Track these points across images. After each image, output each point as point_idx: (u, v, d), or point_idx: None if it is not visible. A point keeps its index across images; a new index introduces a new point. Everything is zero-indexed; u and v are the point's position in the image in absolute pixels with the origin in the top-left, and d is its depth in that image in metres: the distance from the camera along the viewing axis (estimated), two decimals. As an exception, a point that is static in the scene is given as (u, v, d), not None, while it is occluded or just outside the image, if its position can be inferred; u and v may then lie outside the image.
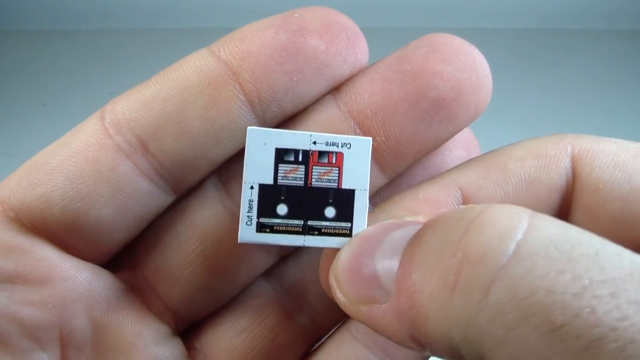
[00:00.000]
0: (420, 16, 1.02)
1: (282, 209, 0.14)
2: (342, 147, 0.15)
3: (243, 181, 0.15)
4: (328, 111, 0.16)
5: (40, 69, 0.90)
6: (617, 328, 0.09)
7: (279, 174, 0.14)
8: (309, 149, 0.14)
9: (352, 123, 0.16)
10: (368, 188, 0.15)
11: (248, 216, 0.14)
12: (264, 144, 0.14)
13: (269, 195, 0.14)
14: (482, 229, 0.11)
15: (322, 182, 0.14)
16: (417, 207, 0.15)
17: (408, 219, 0.14)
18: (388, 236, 0.13)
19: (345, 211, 0.14)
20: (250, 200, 0.14)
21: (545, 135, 0.17)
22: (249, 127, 0.15)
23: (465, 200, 0.16)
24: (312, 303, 0.18)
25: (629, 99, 0.88)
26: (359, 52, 0.16)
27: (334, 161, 0.14)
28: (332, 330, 0.18)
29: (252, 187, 0.14)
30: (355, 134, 0.16)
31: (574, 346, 0.09)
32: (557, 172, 0.15)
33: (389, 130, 0.16)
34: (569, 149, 0.15)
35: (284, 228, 0.14)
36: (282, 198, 0.14)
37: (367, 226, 0.15)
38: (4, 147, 0.75)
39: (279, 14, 0.16)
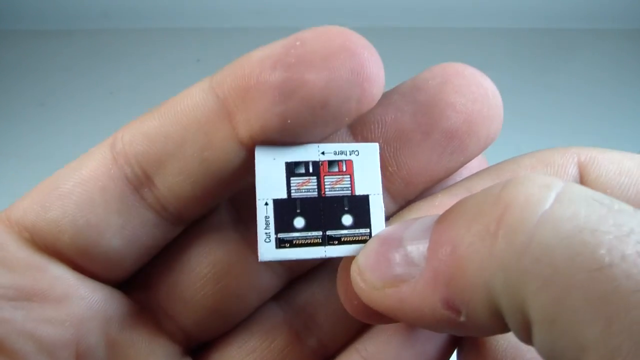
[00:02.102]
0: (421, 16, 1.02)
1: (299, 222, 0.14)
2: (350, 154, 0.15)
3: (257, 198, 0.14)
4: (340, 140, 0.16)
5: (39, 69, 0.90)
6: None
7: (291, 188, 0.14)
8: (318, 160, 0.14)
9: None
10: (381, 192, 0.14)
11: (266, 233, 0.14)
12: (274, 159, 0.14)
13: (284, 210, 0.14)
14: (524, 181, 0.11)
15: (336, 190, 0.14)
16: (431, 211, 0.15)
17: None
18: (415, 222, 0.13)
19: (363, 217, 0.14)
20: (266, 217, 0.14)
21: (548, 145, 0.17)
22: (256, 147, 0.14)
23: None
24: (321, 325, 0.18)
25: (629, 99, 0.88)
26: (368, 83, 0.15)
27: (344, 169, 0.14)
28: (340, 352, 0.18)
29: (266, 204, 0.14)
30: None
31: (623, 286, 0.09)
32: (566, 179, 0.15)
33: (401, 161, 0.16)
34: (575, 158, 0.16)
35: (303, 241, 0.14)
36: (298, 211, 0.14)
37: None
38: (3, 147, 0.75)
39: (282, 41, 0.15)
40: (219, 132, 0.15)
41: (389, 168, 0.16)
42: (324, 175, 0.14)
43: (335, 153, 0.14)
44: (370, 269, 0.13)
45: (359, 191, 0.14)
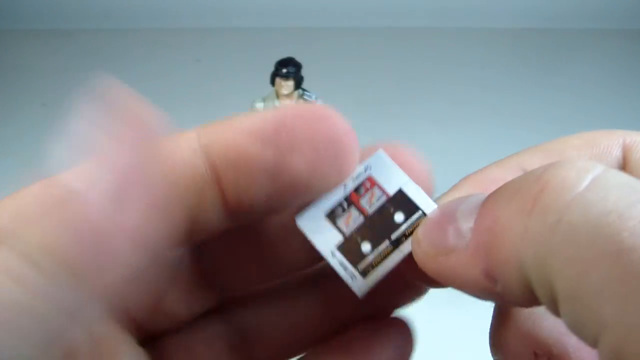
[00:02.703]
0: (421, 16, 1.03)
1: (365, 246, 0.15)
2: (366, 171, 0.16)
3: (324, 257, 0.15)
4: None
5: (40, 69, 0.91)
6: None
7: (341, 228, 0.15)
8: (346, 194, 0.15)
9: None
10: (408, 178, 0.15)
11: (349, 275, 0.15)
12: (313, 218, 0.15)
13: (348, 247, 0.15)
14: (562, 165, 0.12)
15: (374, 204, 0.15)
16: (484, 183, 0.16)
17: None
18: (467, 199, 0.14)
19: (409, 206, 0.15)
20: (340, 263, 0.15)
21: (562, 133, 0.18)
22: (296, 217, 0.16)
23: None
24: (256, 346, 0.18)
25: (629, 99, 0.88)
26: (347, 166, 0.15)
27: (369, 186, 0.15)
28: None
29: (333, 255, 0.15)
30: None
31: (638, 269, 0.10)
32: (610, 160, 0.16)
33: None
34: (621, 140, 0.16)
35: (380, 257, 0.15)
36: (359, 240, 0.15)
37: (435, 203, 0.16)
38: (6, 147, 0.75)
39: (271, 117, 0.15)
40: (207, 196, 0.15)
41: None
42: (359, 200, 0.15)
43: (354, 179, 0.15)
44: (426, 239, 0.14)
45: (391, 191, 0.15)
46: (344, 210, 0.15)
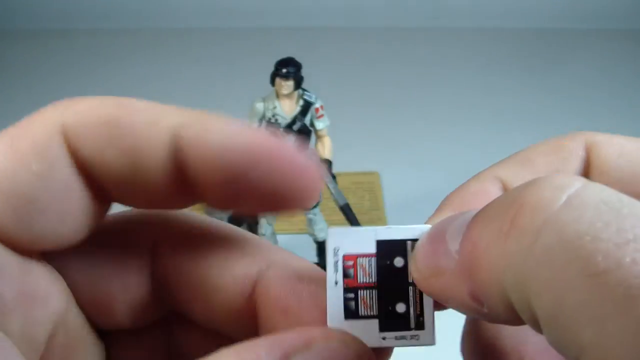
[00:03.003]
0: (420, 16, 1.03)
1: (400, 307, 0.15)
2: (337, 253, 0.15)
3: (387, 348, 0.15)
4: None
5: (40, 69, 0.91)
6: None
7: (368, 314, 0.15)
8: (344, 287, 0.15)
9: None
10: (373, 227, 0.15)
11: (413, 339, 0.15)
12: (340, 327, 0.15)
13: (389, 323, 0.15)
14: (539, 183, 0.12)
15: (372, 271, 0.15)
16: (466, 198, 0.17)
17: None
18: (456, 219, 0.14)
19: (397, 246, 0.15)
20: (397, 337, 0.15)
21: (560, 133, 0.18)
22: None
23: (505, 189, 0.17)
24: None
25: (629, 99, 0.89)
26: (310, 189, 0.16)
27: (351, 264, 0.15)
28: None
29: (385, 339, 0.15)
30: None
31: (614, 292, 0.10)
32: (575, 162, 0.17)
33: None
34: (583, 142, 0.17)
35: (418, 302, 0.15)
36: (390, 308, 0.15)
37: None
38: (4, 147, 0.75)
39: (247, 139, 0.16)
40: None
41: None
42: (357, 281, 0.15)
43: (336, 270, 0.15)
44: (421, 261, 0.15)
45: (372, 249, 0.15)
46: (354, 300, 0.15)
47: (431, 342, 0.15)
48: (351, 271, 0.15)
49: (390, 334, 0.15)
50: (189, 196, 0.15)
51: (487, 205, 0.13)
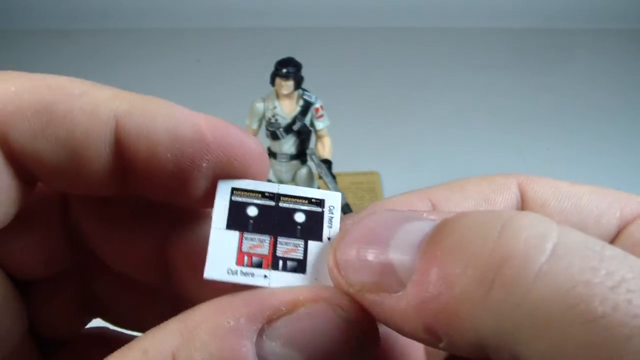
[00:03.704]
0: (420, 16, 1.03)
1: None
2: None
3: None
4: None
5: (40, 69, 0.90)
6: None
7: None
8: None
9: None
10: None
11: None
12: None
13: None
14: (519, 230, 0.12)
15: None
16: (391, 205, 0.16)
17: (419, 210, 0.15)
18: (402, 227, 0.14)
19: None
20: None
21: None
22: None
23: (435, 209, 0.17)
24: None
25: (628, 99, 0.88)
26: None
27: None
28: None
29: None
30: None
31: (617, 334, 0.10)
32: (507, 194, 0.17)
33: None
34: (515, 180, 0.17)
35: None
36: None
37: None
38: (4, 147, 0.75)
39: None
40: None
41: None
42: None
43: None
44: (352, 270, 0.14)
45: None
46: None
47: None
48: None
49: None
50: (128, 184, 0.15)
51: (451, 234, 0.13)
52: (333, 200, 0.15)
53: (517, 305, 0.11)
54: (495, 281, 0.11)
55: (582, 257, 0.11)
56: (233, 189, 0.15)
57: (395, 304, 0.13)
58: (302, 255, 0.15)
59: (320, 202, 0.15)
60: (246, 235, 0.15)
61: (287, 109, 0.57)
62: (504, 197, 0.17)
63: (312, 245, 0.15)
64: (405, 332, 0.13)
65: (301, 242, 0.15)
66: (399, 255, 0.13)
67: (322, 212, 0.15)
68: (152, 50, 0.95)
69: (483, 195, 0.17)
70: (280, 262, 0.15)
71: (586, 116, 0.83)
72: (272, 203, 0.15)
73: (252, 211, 0.15)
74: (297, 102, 0.57)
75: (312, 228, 0.15)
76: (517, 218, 0.12)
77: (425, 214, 0.14)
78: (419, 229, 0.13)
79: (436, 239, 0.13)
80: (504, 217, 0.12)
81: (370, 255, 0.13)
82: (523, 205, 0.17)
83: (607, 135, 0.79)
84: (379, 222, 0.14)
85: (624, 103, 0.87)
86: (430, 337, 0.12)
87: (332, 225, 0.15)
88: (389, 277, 0.13)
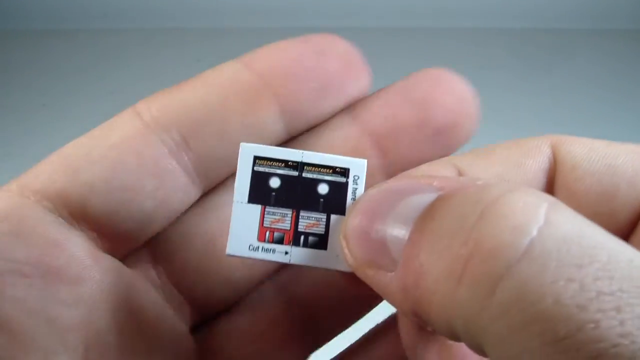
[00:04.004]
0: (420, 16, 1.03)
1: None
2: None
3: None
4: (347, 128, 0.18)
5: (40, 69, 0.90)
6: (618, 344, 0.09)
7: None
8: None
9: (368, 141, 0.18)
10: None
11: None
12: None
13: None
14: (497, 219, 0.11)
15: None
16: (417, 173, 0.16)
17: (422, 180, 0.14)
18: (402, 201, 0.13)
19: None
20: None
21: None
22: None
23: (461, 176, 0.16)
24: (319, 316, 0.19)
25: (628, 99, 0.88)
26: (367, 76, 0.19)
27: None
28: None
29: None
30: (372, 151, 0.18)
31: (573, 359, 0.09)
32: (539, 157, 0.16)
33: (400, 150, 0.18)
34: (549, 141, 0.17)
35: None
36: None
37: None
38: (4, 147, 0.75)
39: (296, 38, 0.18)
40: (261, 100, 0.17)
41: (390, 155, 0.18)
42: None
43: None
44: (355, 244, 0.14)
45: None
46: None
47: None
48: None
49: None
50: None
51: (437, 223, 0.12)
52: (358, 169, 0.15)
53: (482, 308, 0.10)
54: (462, 278, 0.11)
55: (558, 262, 0.10)
56: (255, 158, 0.15)
57: (388, 283, 0.13)
58: (323, 230, 0.15)
59: (344, 172, 0.15)
60: (268, 209, 0.15)
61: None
62: (535, 160, 0.16)
63: (335, 219, 0.15)
64: (398, 309, 0.13)
65: (323, 216, 0.15)
66: (395, 231, 0.13)
67: (346, 183, 0.15)
68: (152, 50, 0.95)
69: (513, 159, 0.16)
70: (302, 238, 0.15)
71: (586, 116, 0.83)
72: (295, 173, 0.15)
73: (274, 183, 0.15)
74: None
75: (336, 201, 0.15)
76: (499, 202, 0.11)
77: (435, 182, 0.13)
78: (418, 204, 0.13)
79: (425, 219, 0.12)
80: (486, 200, 0.11)
81: (370, 230, 0.13)
82: (555, 167, 0.16)
83: (607, 135, 0.79)
84: (384, 195, 0.14)
85: (624, 103, 0.87)
86: (418, 320, 0.12)
87: (355, 196, 0.15)
88: (384, 255, 0.13)
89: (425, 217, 0.12)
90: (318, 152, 0.15)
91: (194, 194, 0.17)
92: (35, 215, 0.15)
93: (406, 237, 0.13)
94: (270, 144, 0.17)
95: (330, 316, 0.19)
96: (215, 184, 0.18)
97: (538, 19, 1.04)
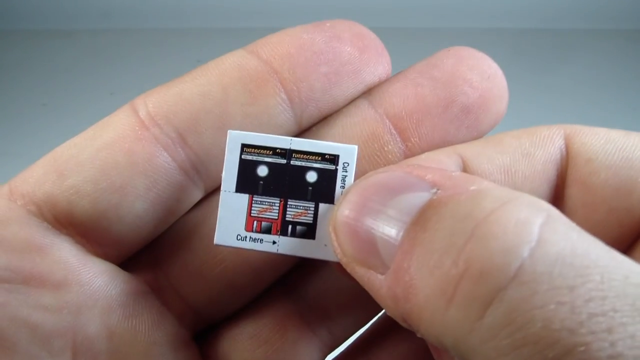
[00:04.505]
0: (421, 16, 1.02)
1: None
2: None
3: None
4: (364, 113, 0.17)
5: (40, 69, 0.90)
6: None
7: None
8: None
9: (387, 124, 0.17)
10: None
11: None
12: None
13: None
14: (487, 240, 0.11)
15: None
16: (419, 161, 0.15)
17: (415, 172, 0.13)
18: (393, 199, 0.13)
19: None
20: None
21: None
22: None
23: (464, 165, 0.16)
24: (333, 316, 0.18)
25: (628, 99, 0.88)
26: (386, 63, 0.17)
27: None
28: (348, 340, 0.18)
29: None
30: (391, 135, 0.17)
31: None
32: (550, 148, 0.15)
33: (423, 132, 0.17)
34: (562, 131, 0.16)
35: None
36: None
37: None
38: (4, 147, 0.75)
39: (309, 24, 0.17)
40: (266, 88, 0.16)
41: (412, 139, 0.17)
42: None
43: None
44: (344, 238, 0.13)
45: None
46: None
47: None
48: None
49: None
50: None
51: (432, 230, 0.12)
52: (348, 155, 0.15)
53: (472, 330, 0.10)
54: (453, 299, 0.11)
55: (549, 285, 0.10)
56: (243, 146, 0.15)
57: (379, 287, 0.12)
58: (312, 219, 0.14)
59: (334, 159, 0.14)
60: (256, 198, 0.14)
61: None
62: (545, 151, 0.15)
63: (323, 208, 0.14)
64: (388, 312, 0.13)
65: (312, 205, 0.14)
66: (386, 229, 0.12)
67: (335, 171, 0.14)
68: (152, 50, 0.95)
69: (521, 149, 0.15)
70: (290, 227, 0.14)
71: (586, 116, 0.83)
72: (284, 161, 0.14)
73: (262, 171, 0.15)
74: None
75: (324, 189, 0.14)
76: (490, 222, 0.11)
77: (428, 176, 0.13)
78: (411, 205, 0.12)
79: (417, 228, 0.12)
80: (478, 216, 0.11)
81: (360, 225, 0.13)
82: (567, 160, 0.15)
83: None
84: (376, 189, 0.13)
85: (624, 103, 0.87)
86: (408, 327, 0.12)
87: (345, 184, 0.14)
88: (374, 255, 0.13)
89: (417, 226, 0.12)
90: (323, 140, 0.15)
91: (194, 193, 0.17)
92: (19, 219, 0.15)
93: (396, 239, 0.12)
94: (277, 133, 0.16)
95: (345, 315, 0.18)
96: (219, 182, 0.17)
97: (538, 19, 1.04)
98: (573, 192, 0.15)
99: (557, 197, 0.15)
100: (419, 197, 0.12)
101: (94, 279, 0.16)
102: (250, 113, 0.16)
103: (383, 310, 0.17)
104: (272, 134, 0.15)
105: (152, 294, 0.17)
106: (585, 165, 0.15)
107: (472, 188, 0.12)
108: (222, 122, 0.16)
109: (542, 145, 0.15)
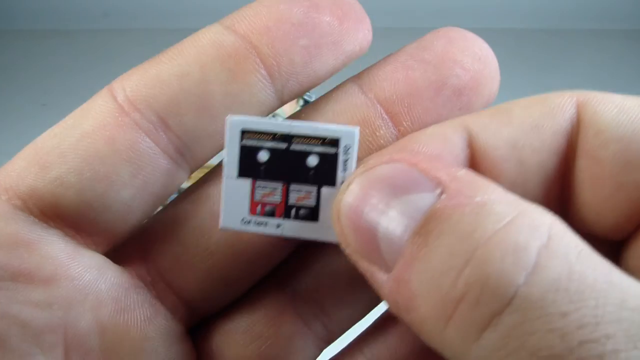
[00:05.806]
0: (421, 16, 1.03)
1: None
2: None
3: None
4: (353, 98, 0.17)
5: (40, 69, 0.90)
6: None
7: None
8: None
9: (379, 108, 0.17)
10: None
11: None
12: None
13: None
14: (487, 265, 0.11)
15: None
16: (424, 139, 0.15)
17: (420, 166, 0.13)
18: (398, 198, 0.13)
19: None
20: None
21: None
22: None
23: (470, 140, 0.15)
24: (327, 310, 0.18)
25: (629, 99, 0.88)
26: (367, 29, 0.17)
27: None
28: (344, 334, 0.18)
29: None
30: (382, 120, 0.17)
31: None
32: (561, 118, 0.15)
33: (415, 116, 0.16)
34: (574, 99, 0.15)
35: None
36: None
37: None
38: (4, 147, 0.75)
39: None
40: (245, 65, 0.15)
41: (404, 123, 0.16)
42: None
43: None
44: (348, 230, 0.13)
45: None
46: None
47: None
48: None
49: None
50: None
51: (434, 247, 0.12)
52: (349, 138, 0.14)
53: (468, 350, 0.10)
54: (451, 319, 0.11)
55: (541, 313, 0.10)
56: (243, 132, 0.15)
57: (381, 285, 0.12)
58: (314, 202, 0.14)
59: (335, 142, 0.14)
60: (258, 183, 0.15)
61: (287, 109, 0.57)
62: (555, 122, 0.15)
63: (326, 191, 0.14)
64: (388, 304, 0.13)
65: (314, 189, 0.14)
66: (390, 226, 0.12)
67: (336, 154, 0.14)
68: (152, 50, 0.95)
69: (531, 120, 0.15)
70: (293, 211, 0.15)
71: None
72: (284, 145, 0.15)
73: (263, 156, 0.15)
74: (297, 101, 0.57)
75: (326, 172, 0.14)
76: (491, 246, 0.11)
77: (433, 172, 0.13)
78: (417, 207, 0.12)
79: (419, 241, 0.12)
80: (479, 238, 0.11)
81: (363, 223, 0.13)
82: (579, 129, 0.15)
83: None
84: (381, 185, 0.13)
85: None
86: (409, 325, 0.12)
87: (346, 168, 0.14)
88: (376, 252, 0.13)
89: (419, 237, 0.12)
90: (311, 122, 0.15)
91: (179, 176, 0.16)
92: (5, 215, 0.15)
93: (398, 243, 0.12)
94: (262, 114, 0.16)
95: (340, 309, 0.18)
96: (204, 162, 0.17)
97: (538, 19, 1.04)
98: (582, 165, 0.14)
99: (568, 169, 0.15)
100: (423, 200, 0.12)
101: (84, 273, 0.15)
102: (231, 92, 0.15)
103: (379, 306, 0.18)
104: (254, 111, 0.16)
105: (144, 287, 0.17)
106: (595, 137, 0.14)
107: (477, 200, 0.12)
108: (202, 103, 0.15)
109: (552, 115, 0.15)
